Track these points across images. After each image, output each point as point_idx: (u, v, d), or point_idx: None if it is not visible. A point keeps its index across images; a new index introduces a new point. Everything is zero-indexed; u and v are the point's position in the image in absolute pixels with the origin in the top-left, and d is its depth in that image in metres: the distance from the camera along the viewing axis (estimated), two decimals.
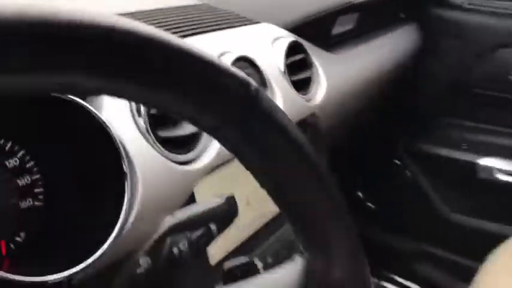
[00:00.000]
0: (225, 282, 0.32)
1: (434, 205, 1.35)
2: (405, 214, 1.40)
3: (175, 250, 0.35)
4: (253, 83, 0.24)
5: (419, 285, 1.36)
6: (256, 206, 0.63)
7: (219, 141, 0.26)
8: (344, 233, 0.30)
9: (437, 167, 1.34)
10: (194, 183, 0.49)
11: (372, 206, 1.47)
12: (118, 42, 0.20)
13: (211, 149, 0.53)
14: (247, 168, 0.27)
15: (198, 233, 0.36)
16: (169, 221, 0.36)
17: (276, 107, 0.25)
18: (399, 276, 1.40)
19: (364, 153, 1.47)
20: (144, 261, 0.34)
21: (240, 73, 0.23)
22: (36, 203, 0.46)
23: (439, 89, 1.29)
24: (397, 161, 1.41)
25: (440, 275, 1.33)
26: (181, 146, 0.50)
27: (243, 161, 0.26)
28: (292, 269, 0.31)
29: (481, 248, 1.00)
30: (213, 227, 0.36)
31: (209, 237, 0.36)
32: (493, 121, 1.26)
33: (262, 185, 0.28)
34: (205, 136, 0.53)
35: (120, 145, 0.43)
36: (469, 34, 1.23)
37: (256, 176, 0.27)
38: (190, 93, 0.23)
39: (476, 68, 1.22)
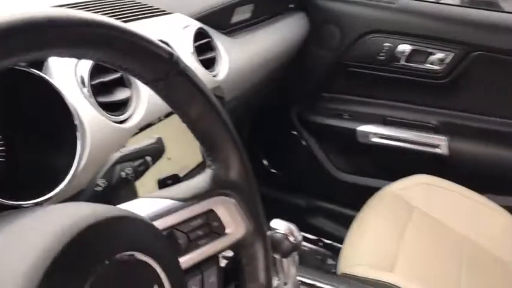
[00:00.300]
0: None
1: (324, 167, 1.60)
2: (301, 176, 1.64)
3: (123, 174, 0.50)
4: (175, 52, 0.40)
5: (313, 234, 1.61)
6: (177, 160, 0.79)
7: (156, 91, 0.42)
8: (237, 150, 0.48)
9: (326, 135, 1.58)
10: (127, 137, 0.65)
11: (275, 171, 1.69)
12: (96, 26, 0.35)
13: (139, 112, 0.68)
14: (173, 108, 0.44)
15: (138, 162, 0.51)
16: (117, 154, 0.51)
17: (190, 68, 0.42)
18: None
19: (266, 126, 1.68)
20: (101, 182, 0.49)
21: (167, 46, 0.40)
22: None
23: (323, 69, 1.52)
24: (293, 132, 1.64)
25: (329, 224, 1.59)
26: (117, 109, 0.65)
27: (170, 103, 0.43)
28: (203, 176, 0.48)
29: (360, 199, 1.25)
30: (148, 158, 0.52)
31: (146, 166, 0.52)
32: (367, 94, 1.53)
33: (183, 120, 0.45)
34: (134, 102, 0.68)
35: (71, 106, 0.57)
36: (347, 22, 1.47)
37: (180, 114, 0.44)
38: (137, 58, 0.39)
39: (352, 50, 1.47)
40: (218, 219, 0.48)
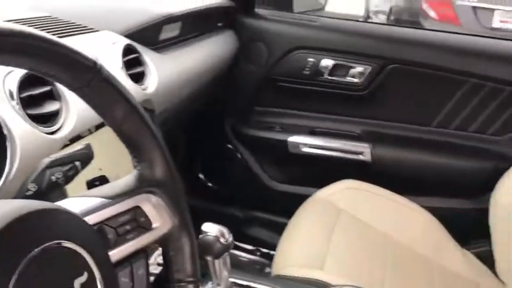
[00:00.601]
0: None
1: (259, 177, 1.66)
2: (237, 188, 1.69)
3: (53, 178, 0.52)
4: (98, 61, 0.44)
5: (250, 244, 1.66)
6: (108, 171, 0.82)
7: (81, 97, 0.46)
8: (160, 151, 0.52)
9: (259, 147, 1.65)
10: (58, 148, 0.67)
11: (211, 185, 1.73)
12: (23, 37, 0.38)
13: (68, 124, 0.71)
14: (98, 113, 0.47)
15: (67, 167, 0.54)
16: (46, 160, 0.54)
17: (113, 75, 0.46)
18: (235, 240, 1.68)
19: (201, 140, 1.73)
20: (32, 186, 0.51)
21: (91, 55, 0.44)
22: None
23: (253, 84, 1.59)
24: (229, 145, 1.69)
25: (266, 233, 1.65)
26: (47, 121, 0.67)
27: (95, 108, 0.47)
28: (129, 176, 0.52)
29: (294, 206, 1.32)
30: (77, 163, 0.55)
31: (76, 170, 0.55)
32: (296, 107, 1.61)
33: (109, 123, 0.48)
34: (63, 114, 0.70)
35: (0, 119, 0.59)
36: (273, 39, 1.55)
37: (105, 118, 0.48)
38: (62, 66, 0.42)
39: (279, 66, 1.55)
40: (145, 215, 0.51)
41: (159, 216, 0.52)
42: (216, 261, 0.79)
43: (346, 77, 1.53)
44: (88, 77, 0.44)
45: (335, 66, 1.52)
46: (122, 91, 0.47)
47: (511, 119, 1.46)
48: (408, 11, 5.38)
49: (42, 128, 0.65)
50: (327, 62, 1.52)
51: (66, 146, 0.70)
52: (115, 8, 1.03)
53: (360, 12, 8.48)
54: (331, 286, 0.99)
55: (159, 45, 1.06)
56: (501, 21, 4.90)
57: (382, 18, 6.50)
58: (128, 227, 0.49)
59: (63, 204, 0.45)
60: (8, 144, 0.58)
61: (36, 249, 0.35)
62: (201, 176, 1.73)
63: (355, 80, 1.51)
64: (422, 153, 1.51)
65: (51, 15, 0.90)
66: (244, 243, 1.67)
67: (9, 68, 0.71)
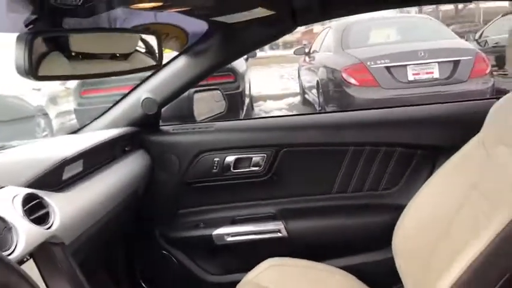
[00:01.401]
0: None
1: (195, 274, 1.78)
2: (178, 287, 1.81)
3: None
4: None
5: None
6: None
7: None
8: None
9: (189, 245, 1.79)
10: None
11: None
12: None
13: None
14: None
15: None
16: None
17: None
18: None
19: (138, 253, 1.85)
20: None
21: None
22: None
23: (172, 190, 1.77)
24: (163, 251, 1.82)
25: None
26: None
27: None
28: None
29: None
30: None
31: None
32: (213, 202, 1.79)
33: None
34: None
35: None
36: (180, 149, 1.76)
37: None
38: None
39: (191, 170, 1.74)
40: None
41: None
42: None
43: (249, 167, 1.73)
44: None
45: (237, 160, 1.73)
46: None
47: (395, 173, 1.68)
48: (333, 81, 5.84)
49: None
50: (229, 158, 1.73)
51: None
52: (18, 161, 1.22)
53: (296, 89, 9.08)
54: None
55: (62, 185, 1.23)
56: (414, 74, 5.39)
57: (314, 91, 7.02)
58: None
59: None
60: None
61: None
62: (142, 284, 1.84)
63: (257, 168, 1.72)
64: (329, 219, 1.69)
65: None
66: None
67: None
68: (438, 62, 5.33)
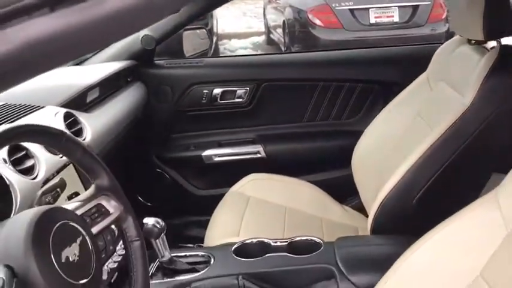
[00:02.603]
0: None
1: (186, 189, 2.09)
2: (171, 201, 2.12)
3: (46, 200, 0.93)
4: (63, 130, 0.87)
5: (191, 243, 2.07)
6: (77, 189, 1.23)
7: (58, 150, 0.89)
8: (104, 169, 0.95)
9: (181, 165, 2.09)
10: (39, 187, 1.09)
11: (150, 204, 2.15)
12: None
13: (41, 172, 1.12)
14: (68, 157, 0.90)
15: (53, 192, 0.95)
16: (39, 191, 0.95)
17: (73, 136, 0.90)
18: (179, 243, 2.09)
19: (137, 171, 2.13)
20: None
21: (58, 127, 0.87)
22: None
23: (166, 117, 2.04)
24: (158, 170, 2.11)
25: (200, 231, 2.07)
26: (28, 172, 1.08)
27: (66, 156, 0.90)
28: (90, 188, 0.95)
29: (215, 205, 1.74)
30: (58, 190, 0.97)
31: (58, 194, 0.96)
32: (203, 128, 2.08)
33: (74, 161, 0.91)
34: (37, 167, 1.11)
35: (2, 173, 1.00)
36: (174, 81, 2.01)
37: (71, 159, 0.91)
38: (43, 139, 0.85)
39: (182, 100, 2.01)
40: (104, 207, 0.94)
41: (112, 207, 0.95)
42: (157, 241, 1.22)
43: (234, 99, 2.02)
44: (59, 139, 0.87)
45: (223, 92, 2.00)
46: (80, 143, 0.90)
47: (356, 105, 2.01)
48: (298, 22, 6.05)
49: (28, 176, 1.06)
50: (217, 91, 2.00)
51: (42, 185, 1.11)
52: (51, 86, 1.45)
53: (261, 28, 9.11)
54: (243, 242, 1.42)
55: (86, 107, 1.48)
56: (376, 17, 5.68)
57: (279, 31, 7.17)
58: (96, 215, 0.92)
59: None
60: (12, 189, 0.99)
61: (57, 224, 0.78)
62: (139, 197, 2.14)
63: (240, 100, 2.01)
64: (301, 143, 2.03)
65: (6, 102, 1.30)
66: (187, 243, 2.08)
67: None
68: (398, 6, 5.62)
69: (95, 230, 0.88)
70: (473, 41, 1.43)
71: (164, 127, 2.06)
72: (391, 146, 1.59)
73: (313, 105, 2.02)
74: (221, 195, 1.78)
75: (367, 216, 1.51)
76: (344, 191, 1.87)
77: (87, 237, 0.83)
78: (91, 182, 0.95)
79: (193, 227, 2.10)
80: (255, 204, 1.71)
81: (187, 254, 1.34)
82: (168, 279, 1.22)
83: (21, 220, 0.74)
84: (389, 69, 1.96)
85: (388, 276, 0.92)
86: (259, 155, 2.03)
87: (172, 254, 1.28)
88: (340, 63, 2.00)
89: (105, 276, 0.92)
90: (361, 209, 1.70)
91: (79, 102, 1.44)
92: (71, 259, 0.77)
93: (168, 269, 1.27)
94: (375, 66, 2.00)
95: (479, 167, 1.30)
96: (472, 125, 1.24)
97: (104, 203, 0.95)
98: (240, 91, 2.00)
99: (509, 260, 0.81)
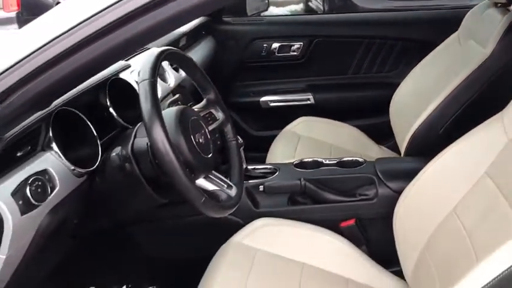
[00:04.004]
0: None
1: (245, 130, 2.46)
2: None
3: None
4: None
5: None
6: None
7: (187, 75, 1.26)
8: (212, 87, 1.32)
9: (242, 109, 2.45)
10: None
11: None
12: None
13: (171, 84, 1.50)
14: (190, 76, 1.28)
15: None
16: None
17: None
18: None
19: None
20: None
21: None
22: None
23: (231, 67, 2.40)
24: None
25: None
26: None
27: (190, 76, 1.27)
28: (204, 101, 1.32)
29: (269, 143, 2.09)
30: None
31: None
32: (262, 78, 2.43)
33: (192, 79, 1.28)
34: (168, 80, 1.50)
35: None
36: (239, 36, 2.36)
37: (192, 78, 1.28)
38: None
39: (245, 53, 2.36)
40: (213, 114, 1.32)
41: (218, 115, 1.32)
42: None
43: (289, 52, 2.36)
44: (188, 62, 1.23)
45: (280, 46, 2.35)
46: (199, 69, 1.27)
47: (395, 60, 2.32)
48: None
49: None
50: (275, 45, 2.35)
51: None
52: None
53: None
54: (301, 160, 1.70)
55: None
56: None
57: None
58: (209, 119, 1.29)
59: None
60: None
61: (192, 117, 1.15)
62: None
63: (294, 54, 2.35)
64: (345, 92, 2.36)
65: None
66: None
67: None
68: None
69: (210, 128, 1.25)
70: (498, 4, 1.72)
71: (229, 75, 2.43)
72: (424, 92, 1.90)
73: (358, 60, 2.35)
74: (274, 136, 2.10)
75: (400, 155, 1.75)
76: (381, 134, 2.18)
77: (206, 131, 1.20)
78: (203, 97, 1.33)
79: (250, 164, 2.46)
80: (305, 141, 2.02)
81: (259, 166, 1.68)
82: (245, 181, 1.58)
83: (172, 110, 1.12)
84: (425, 29, 2.26)
85: (415, 181, 1.24)
86: (308, 102, 2.38)
87: (248, 166, 1.63)
88: (383, 24, 2.31)
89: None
90: (395, 149, 1.92)
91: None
92: (200, 141, 1.14)
93: (246, 177, 1.62)
94: (413, 27, 2.30)
95: (497, 104, 1.60)
96: (491, 71, 1.55)
97: (213, 111, 1.32)
98: (295, 46, 2.34)
99: (509, 161, 1.05)
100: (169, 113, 1.12)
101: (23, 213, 0.89)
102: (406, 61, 2.31)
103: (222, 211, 1.11)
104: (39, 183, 0.94)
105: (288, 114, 2.29)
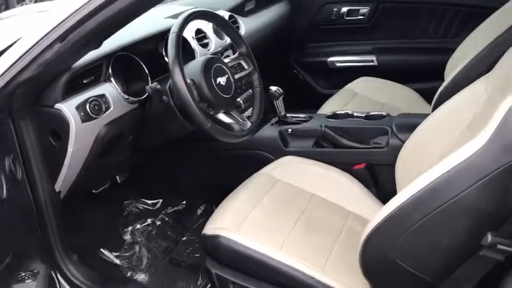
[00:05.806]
0: None
1: (313, 87, 2.71)
2: (301, 96, 2.75)
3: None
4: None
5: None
6: None
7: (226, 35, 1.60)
8: (244, 43, 1.63)
9: (311, 68, 2.70)
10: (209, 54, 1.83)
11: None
12: None
13: (211, 48, 1.85)
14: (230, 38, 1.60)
15: None
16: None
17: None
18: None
19: (278, 70, 2.81)
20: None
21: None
22: None
23: (303, 29, 2.65)
24: (294, 71, 2.77)
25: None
26: (205, 46, 1.82)
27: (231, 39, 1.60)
28: (235, 55, 1.64)
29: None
30: None
31: None
32: (330, 39, 2.64)
33: (231, 39, 1.61)
34: (210, 44, 1.85)
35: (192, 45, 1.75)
36: (311, 0, 2.59)
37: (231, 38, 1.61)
38: None
39: (317, 16, 2.58)
40: (242, 65, 1.63)
41: (247, 66, 1.63)
42: (277, 102, 1.88)
43: (357, 16, 2.53)
44: (221, 21, 1.56)
45: (349, 11, 2.53)
46: (232, 26, 1.59)
47: (460, 27, 2.36)
48: None
49: (205, 49, 1.79)
50: (344, 9, 2.53)
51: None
52: None
53: None
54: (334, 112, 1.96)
55: (244, 13, 2.18)
56: None
57: None
58: (237, 68, 1.61)
59: None
60: (196, 55, 1.75)
61: (216, 64, 1.49)
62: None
63: (362, 17, 2.52)
64: (408, 55, 2.48)
65: (195, 6, 2.05)
66: None
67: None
68: None
69: (236, 76, 1.57)
70: None
71: (301, 37, 2.68)
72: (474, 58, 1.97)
73: (422, 25, 2.43)
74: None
75: None
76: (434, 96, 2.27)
77: (231, 77, 1.51)
78: (236, 50, 1.64)
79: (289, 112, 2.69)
80: (359, 99, 2.20)
81: (296, 115, 1.94)
82: (281, 126, 1.88)
83: (199, 59, 1.46)
84: None
85: (414, 133, 1.47)
86: (371, 63, 2.55)
87: (287, 114, 1.91)
88: None
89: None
90: None
91: (239, 9, 2.14)
92: (221, 83, 1.46)
93: (283, 122, 1.92)
94: None
95: None
96: None
97: (243, 63, 1.64)
98: (362, 11, 2.51)
99: (485, 114, 1.16)
100: (198, 60, 1.47)
101: (83, 121, 1.32)
102: (469, 27, 2.32)
103: (229, 137, 1.44)
104: (97, 103, 1.36)
105: (352, 75, 2.48)
